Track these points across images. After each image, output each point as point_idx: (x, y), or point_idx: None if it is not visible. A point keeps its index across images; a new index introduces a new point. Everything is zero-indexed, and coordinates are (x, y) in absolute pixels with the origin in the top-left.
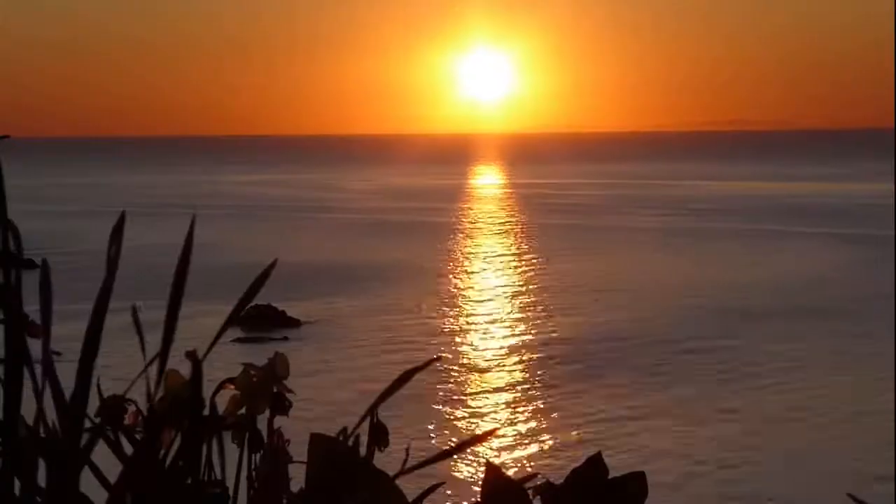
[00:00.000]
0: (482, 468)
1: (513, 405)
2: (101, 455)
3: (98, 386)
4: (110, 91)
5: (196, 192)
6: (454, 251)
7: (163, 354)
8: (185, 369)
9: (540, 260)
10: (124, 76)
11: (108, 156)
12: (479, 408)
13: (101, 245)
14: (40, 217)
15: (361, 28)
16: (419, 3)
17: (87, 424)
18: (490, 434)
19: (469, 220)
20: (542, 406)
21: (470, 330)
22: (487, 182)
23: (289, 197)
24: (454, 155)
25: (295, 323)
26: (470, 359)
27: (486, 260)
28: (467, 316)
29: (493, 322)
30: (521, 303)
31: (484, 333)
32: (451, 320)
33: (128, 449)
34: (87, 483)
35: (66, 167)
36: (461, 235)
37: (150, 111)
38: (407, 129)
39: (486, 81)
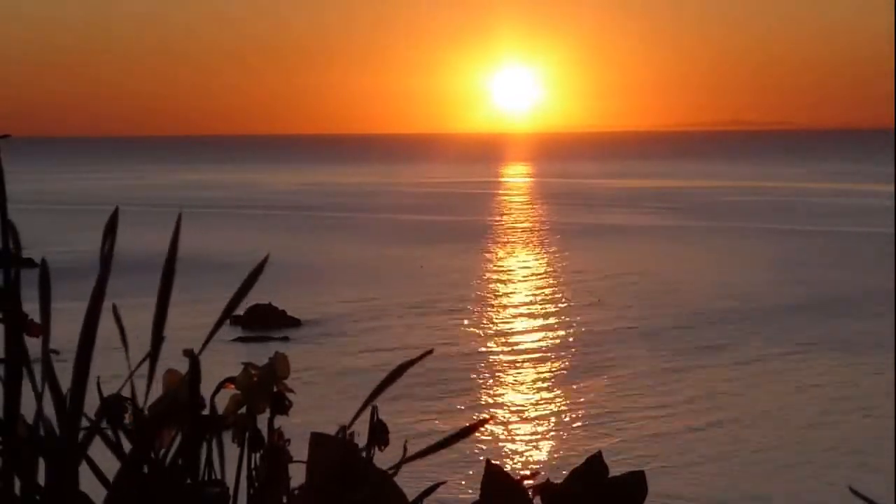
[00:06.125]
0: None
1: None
2: (104, 455)
3: (98, 385)
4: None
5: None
6: (454, 251)
7: (153, 353)
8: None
9: (543, 257)
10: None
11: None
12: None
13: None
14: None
15: (403, 46)
16: (455, 24)
17: (86, 422)
18: (482, 423)
19: (474, 220)
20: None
21: (469, 327)
22: (509, 180)
23: (304, 196)
24: (482, 154)
25: (295, 322)
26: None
27: (490, 260)
28: (467, 315)
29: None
30: (529, 298)
31: (485, 328)
32: (449, 319)
33: (128, 448)
34: (89, 483)
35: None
36: (463, 235)
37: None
38: (443, 129)
39: (514, 92)
